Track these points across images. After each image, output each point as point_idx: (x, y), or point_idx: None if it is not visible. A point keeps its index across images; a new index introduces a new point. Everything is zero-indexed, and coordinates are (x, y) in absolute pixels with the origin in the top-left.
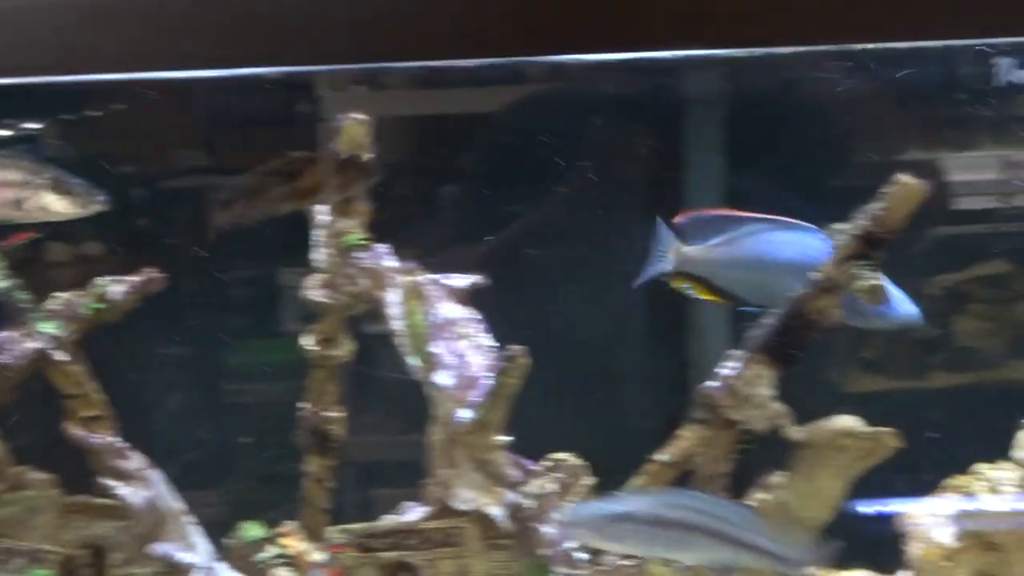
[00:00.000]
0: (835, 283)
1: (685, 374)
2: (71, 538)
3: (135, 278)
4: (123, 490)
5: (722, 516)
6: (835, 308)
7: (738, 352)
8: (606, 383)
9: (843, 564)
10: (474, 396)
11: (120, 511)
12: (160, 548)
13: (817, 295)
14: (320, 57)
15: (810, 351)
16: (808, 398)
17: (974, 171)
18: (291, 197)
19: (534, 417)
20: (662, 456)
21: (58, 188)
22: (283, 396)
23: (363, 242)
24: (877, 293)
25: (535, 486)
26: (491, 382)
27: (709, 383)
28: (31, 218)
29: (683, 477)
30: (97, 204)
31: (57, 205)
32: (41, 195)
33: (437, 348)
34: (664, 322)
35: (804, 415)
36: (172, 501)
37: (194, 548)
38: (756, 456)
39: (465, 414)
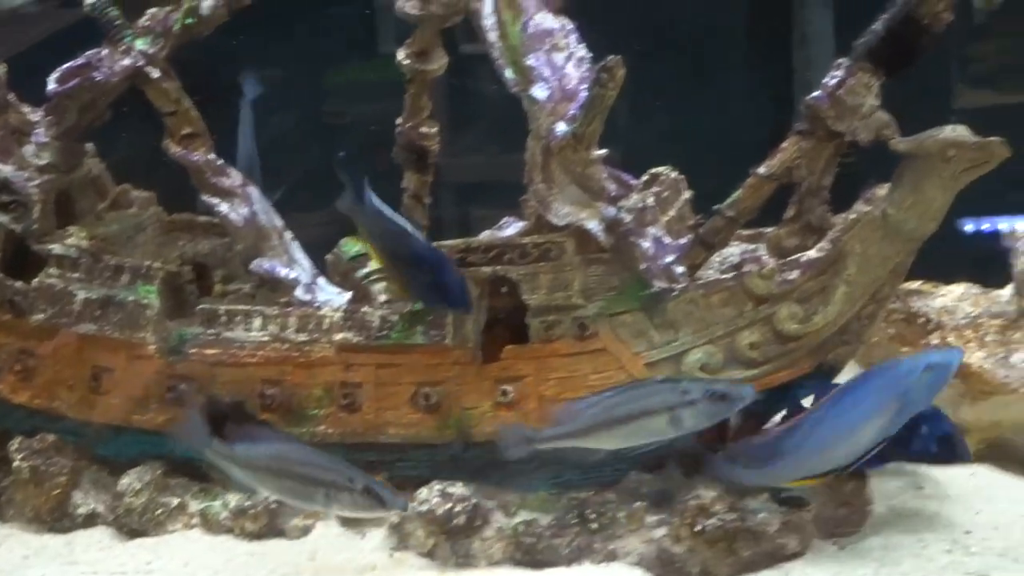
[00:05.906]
0: None
1: (788, 83)
2: (174, 255)
3: None
4: (223, 207)
5: None
6: (948, 13)
7: (844, 60)
8: (707, 93)
9: (947, 278)
10: (571, 109)
11: (221, 228)
12: (263, 264)
13: None
14: None
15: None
16: (914, 112)
17: None
18: None
19: (631, 127)
20: (763, 168)
21: None
22: (379, 115)
23: None
24: None
25: (633, 200)
26: (588, 94)
27: (813, 93)
28: None
29: (784, 190)
30: None
31: None
32: None
33: (533, 61)
34: (767, 29)
35: (909, 129)
36: (272, 218)
37: (296, 264)
38: (859, 168)
39: (562, 128)
